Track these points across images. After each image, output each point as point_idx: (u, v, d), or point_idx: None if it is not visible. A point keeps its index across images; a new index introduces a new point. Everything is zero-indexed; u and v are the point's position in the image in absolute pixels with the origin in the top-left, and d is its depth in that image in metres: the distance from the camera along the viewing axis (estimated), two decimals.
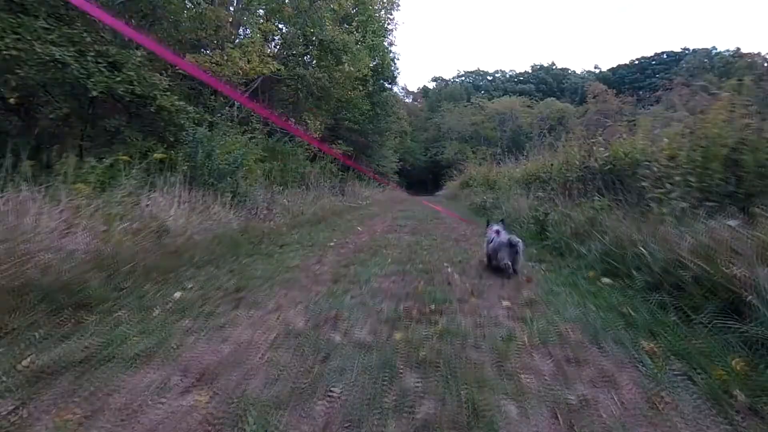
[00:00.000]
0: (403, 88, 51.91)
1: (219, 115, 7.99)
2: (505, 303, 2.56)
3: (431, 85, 69.09)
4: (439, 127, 46.62)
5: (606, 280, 2.74)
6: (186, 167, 5.96)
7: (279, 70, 8.90)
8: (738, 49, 52.41)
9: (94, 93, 5.54)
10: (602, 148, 5.21)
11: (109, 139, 6.79)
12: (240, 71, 7.92)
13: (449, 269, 3.62)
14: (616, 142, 5.32)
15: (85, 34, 5.90)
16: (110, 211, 3.76)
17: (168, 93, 6.62)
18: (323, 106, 14.91)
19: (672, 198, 3.15)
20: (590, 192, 4.86)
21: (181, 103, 6.76)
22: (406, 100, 51.29)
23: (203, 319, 2.22)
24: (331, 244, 5.31)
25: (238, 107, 11.06)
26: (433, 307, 2.44)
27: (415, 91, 62.23)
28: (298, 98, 14.41)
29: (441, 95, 57.61)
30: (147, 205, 4.16)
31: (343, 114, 16.24)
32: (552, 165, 7.25)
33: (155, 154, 5.26)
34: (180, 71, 7.75)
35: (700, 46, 68.17)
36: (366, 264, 3.91)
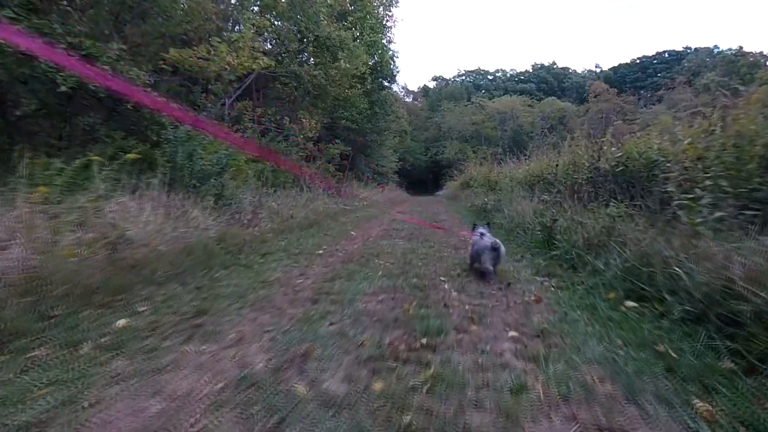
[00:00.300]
0: (403, 88, 51.49)
1: (204, 112, 7.56)
2: (512, 333, 2.13)
3: (431, 85, 68.71)
4: (439, 127, 46.20)
5: (631, 303, 2.31)
6: (166, 168, 5.55)
7: (269, 66, 8.47)
8: (741, 47, 51.97)
9: (63, 88, 5.14)
10: (614, 148, 4.78)
11: (90, 138, 6.39)
12: (227, 66, 7.49)
13: (446, 285, 3.19)
14: (628, 141, 4.90)
15: (56, 26, 5.49)
16: (67, 218, 3.35)
17: (149, 89, 6.21)
18: (319, 104, 14.48)
19: (703, 205, 2.73)
20: (602, 195, 4.44)
21: (163, 99, 6.35)
22: (407, 100, 50.84)
23: (142, 359, 1.80)
24: (320, 251, 4.89)
25: (230, 105, 10.68)
26: (424, 340, 2.01)
27: (416, 91, 61.82)
28: (293, 96, 14.00)
29: (441, 94, 57.19)
30: (111, 212, 3.74)
31: (340, 113, 15.79)
32: (557, 165, 6.83)
33: (128, 155, 4.84)
34: (164, 66, 7.36)
35: (702, 45, 67.81)
36: (354, 277, 3.49)
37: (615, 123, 5.48)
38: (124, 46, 6.29)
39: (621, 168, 4.60)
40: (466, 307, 2.63)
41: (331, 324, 2.31)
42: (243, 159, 8.52)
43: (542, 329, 2.16)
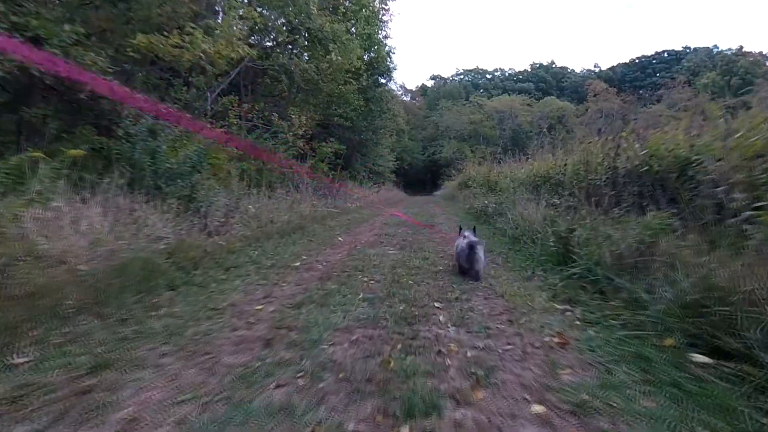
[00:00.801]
0: (401, 86, 50.69)
1: (176, 105, 6.86)
2: (536, 408, 1.46)
3: (430, 84, 68.14)
4: (437, 126, 45.57)
5: (701, 358, 1.64)
6: (124, 167, 4.89)
7: (250, 55, 7.76)
8: (741, 47, 51.58)
9: (0, 74, 4.46)
10: (637, 144, 4.12)
11: (43, 132, 5.69)
12: (202, 55, 6.78)
13: (441, 315, 2.52)
14: (654, 136, 4.25)
15: None
16: None
17: (110, 77, 5.53)
18: (311, 100, 13.78)
19: None
20: (625, 200, 3.78)
21: (126, 89, 5.66)
22: (404, 98, 50.05)
23: None
24: (297, 264, 4.22)
25: (213, 99, 10.01)
26: (407, 429, 1.34)
27: (414, 90, 61.14)
28: (283, 91, 13.34)
29: (439, 93, 56.57)
30: (35, 219, 3.05)
31: (333, 109, 15.06)
32: (565, 165, 6.18)
33: (70, 151, 4.16)
34: (132, 54, 6.66)
35: (701, 45, 67.61)
36: (328, 302, 2.82)
37: (634, 118, 4.78)
38: (81, 29, 5.59)
39: (645, 168, 3.95)
40: (468, 353, 1.96)
41: (277, 386, 1.63)
42: (224, 157, 7.85)
43: (579, 400, 1.48)
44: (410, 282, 3.38)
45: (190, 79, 8.96)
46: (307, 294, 3.05)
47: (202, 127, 5.79)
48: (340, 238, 6.21)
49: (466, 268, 3.49)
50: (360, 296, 2.96)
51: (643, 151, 4.02)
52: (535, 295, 2.88)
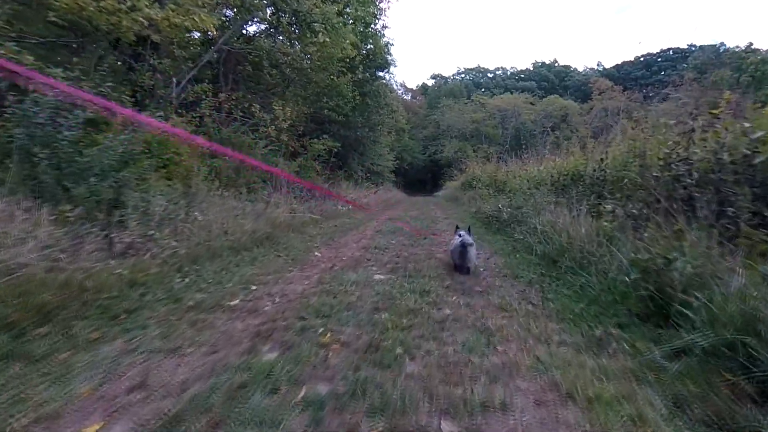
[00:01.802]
0: (401, 85, 49.15)
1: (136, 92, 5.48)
2: None
3: (430, 83, 66.75)
4: (438, 125, 44.10)
5: None
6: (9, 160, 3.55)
7: (212, 24, 6.35)
8: (750, 44, 50.05)
9: None
10: (747, 123, 2.73)
11: None
12: (144, 21, 5.37)
13: None
14: (763, 114, 2.86)
15: None
16: None
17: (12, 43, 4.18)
18: (300, 92, 12.39)
19: None
20: (741, 209, 2.38)
21: (32, 58, 4.30)
22: (405, 97, 48.48)
23: None
24: (236, 301, 2.85)
25: (182, 87, 8.64)
26: None
27: (414, 89, 59.69)
28: (270, 84, 12.00)
29: (440, 92, 55.13)
30: None
31: (324, 101, 13.61)
32: (602, 160, 4.79)
33: None
34: (56, 20, 5.29)
35: (707, 42, 66.29)
36: (231, 414, 1.43)
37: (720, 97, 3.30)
38: None
39: (762, 160, 2.56)
40: None
41: None
42: (187, 152, 6.47)
43: None
44: (399, 350, 1.98)
45: (151, 62, 7.62)
46: (212, 381, 1.67)
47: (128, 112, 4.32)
48: (317, 253, 4.83)
49: (458, 264, 3.71)
50: (301, 395, 1.57)
51: (757, 134, 2.63)
52: (637, 397, 1.48)
